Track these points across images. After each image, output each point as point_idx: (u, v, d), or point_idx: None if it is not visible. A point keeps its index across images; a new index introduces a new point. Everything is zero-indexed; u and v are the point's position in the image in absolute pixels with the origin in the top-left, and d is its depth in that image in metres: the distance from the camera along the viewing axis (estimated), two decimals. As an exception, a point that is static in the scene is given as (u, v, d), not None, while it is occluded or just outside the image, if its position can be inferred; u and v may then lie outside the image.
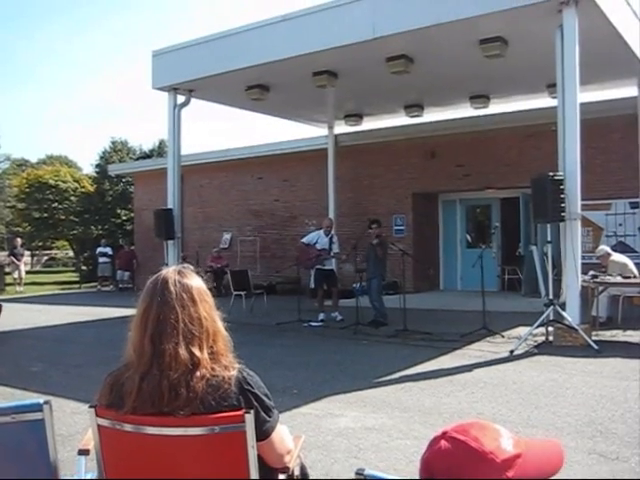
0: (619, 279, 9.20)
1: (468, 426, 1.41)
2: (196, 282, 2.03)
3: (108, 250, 21.83)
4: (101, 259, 21.62)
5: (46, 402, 2.07)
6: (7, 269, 22.04)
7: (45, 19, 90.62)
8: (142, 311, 1.95)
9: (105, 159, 31.37)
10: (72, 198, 28.20)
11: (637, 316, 9.41)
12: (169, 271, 2.02)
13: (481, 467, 1.34)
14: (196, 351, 1.90)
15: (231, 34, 11.42)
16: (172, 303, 1.92)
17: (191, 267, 2.10)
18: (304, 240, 11.89)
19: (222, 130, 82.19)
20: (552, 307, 8.39)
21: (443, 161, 15.60)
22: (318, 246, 11.50)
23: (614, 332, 9.09)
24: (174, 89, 12.45)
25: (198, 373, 1.87)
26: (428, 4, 9.39)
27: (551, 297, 8.59)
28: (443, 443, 1.39)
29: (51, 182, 27.89)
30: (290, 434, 2.19)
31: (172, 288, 1.95)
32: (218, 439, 1.84)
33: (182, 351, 1.88)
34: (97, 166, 31.86)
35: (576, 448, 4.30)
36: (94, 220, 28.37)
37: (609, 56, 10.40)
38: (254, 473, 1.85)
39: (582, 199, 8.67)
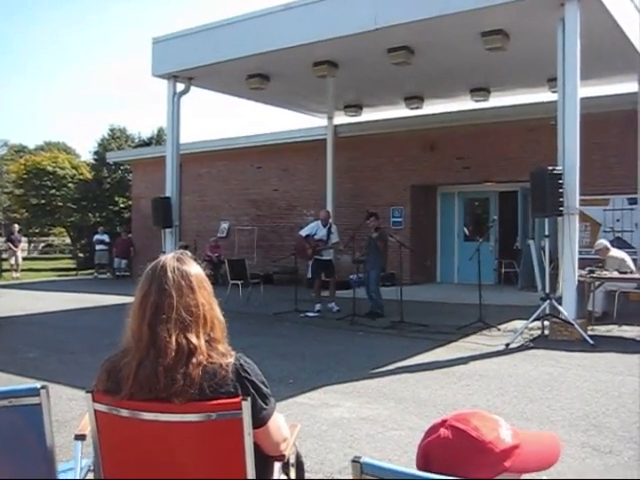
0: (615, 274, 9.22)
1: (468, 415, 1.43)
2: (195, 269, 2.03)
3: (105, 238, 21.79)
4: (98, 246, 21.58)
5: (43, 387, 2.07)
6: (4, 255, 21.99)
7: (44, 8, 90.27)
8: (141, 297, 1.95)
9: (103, 146, 31.28)
10: (70, 185, 28.13)
11: (633, 311, 9.43)
12: (168, 258, 2.02)
13: (480, 456, 1.35)
14: (193, 338, 1.90)
15: (232, 22, 11.38)
16: (170, 290, 1.92)
17: (189, 254, 2.10)
18: (302, 232, 11.89)
19: (221, 124, 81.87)
20: (548, 301, 8.42)
21: (442, 154, 15.58)
22: (316, 237, 11.50)
23: (610, 327, 9.12)
24: (174, 77, 12.40)
25: (194, 360, 1.88)
26: (430, -5, 9.36)
27: (547, 291, 8.61)
28: (443, 431, 1.40)
29: (49, 169, 27.81)
30: (286, 423, 2.20)
31: (170, 275, 1.95)
32: (215, 426, 1.84)
33: (179, 338, 1.89)
34: (95, 153, 31.77)
35: (570, 441, 4.32)
36: (92, 207, 28.31)
37: (610, 51, 10.39)
38: (250, 460, 1.85)
39: (580, 194, 8.67)
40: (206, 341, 1.93)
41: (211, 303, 2.01)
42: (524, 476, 1.42)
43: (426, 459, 1.42)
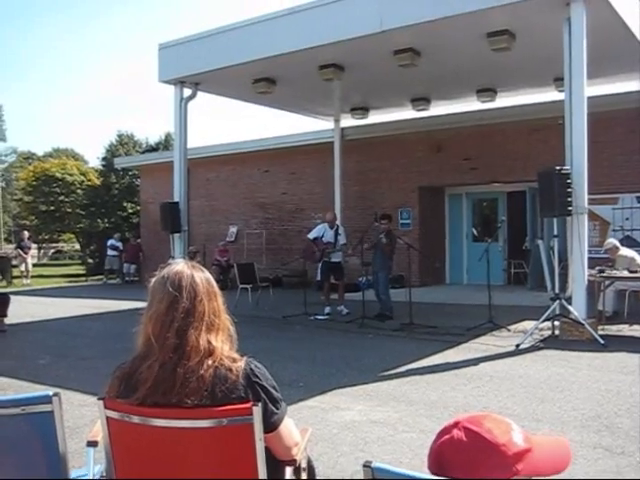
0: (625, 273, 9.17)
1: (481, 417, 1.43)
2: (211, 276, 2.12)
3: (119, 245, 21.79)
4: (110, 252, 21.63)
5: (55, 394, 2.09)
6: (14, 262, 22.11)
7: (50, 13, 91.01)
8: (168, 303, 1.98)
9: (111, 152, 31.42)
10: (78, 191, 28.26)
11: (643, 311, 9.39)
12: (185, 265, 2.07)
13: (493, 458, 1.36)
14: (213, 340, 1.97)
15: (238, 27, 11.40)
16: (201, 296, 2.00)
17: (198, 264, 2.14)
18: (310, 235, 11.89)
19: (229, 127, 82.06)
20: (558, 301, 8.40)
21: (450, 155, 15.56)
22: (324, 240, 11.51)
23: (620, 326, 9.07)
24: (180, 82, 12.44)
25: (210, 361, 1.93)
26: (435, -3, 9.35)
27: (557, 291, 8.58)
28: (456, 432, 1.41)
29: (58, 175, 27.94)
30: (296, 427, 2.20)
31: (199, 281, 2.03)
32: (226, 431, 1.85)
33: (202, 341, 1.95)
34: (103, 159, 31.92)
35: (581, 442, 4.31)
36: (100, 213, 28.43)
37: (617, 50, 10.35)
38: (261, 465, 1.86)
39: (589, 193, 8.64)
40: (222, 344, 1.99)
41: (224, 310, 2.08)
42: None
43: (438, 460, 1.42)
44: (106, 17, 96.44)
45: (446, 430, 1.44)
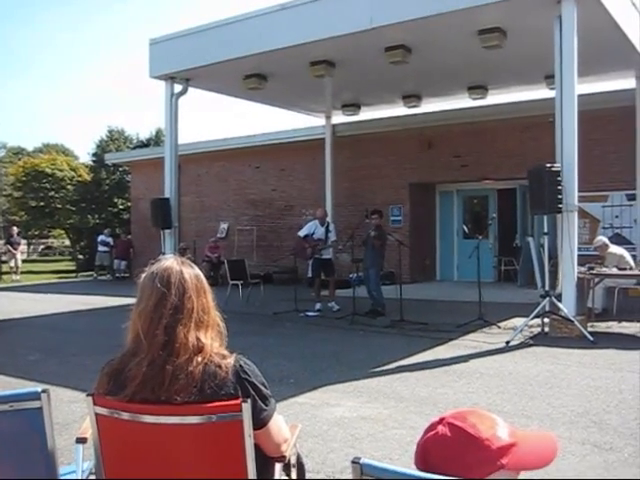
0: (615, 271, 9.23)
1: (466, 413, 1.45)
2: (201, 272, 2.11)
3: (110, 240, 21.72)
4: (101, 248, 21.54)
5: (44, 390, 2.08)
6: (3, 258, 21.97)
7: (42, 9, 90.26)
8: (157, 300, 1.97)
9: (102, 148, 31.24)
10: (69, 187, 28.08)
11: (632, 307, 9.43)
12: (174, 262, 2.06)
13: (477, 453, 1.37)
14: (202, 337, 1.96)
15: (229, 23, 11.38)
16: (190, 292, 1.99)
17: (188, 260, 2.13)
18: (301, 233, 11.88)
19: (219, 120, 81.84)
20: (548, 298, 8.43)
21: (440, 152, 15.59)
22: (315, 237, 11.50)
23: (609, 323, 9.13)
24: (171, 78, 12.40)
25: (199, 358, 1.92)
26: (426, -6, 9.35)
27: (547, 288, 8.62)
28: (440, 428, 1.42)
29: (48, 171, 27.75)
30: (286, 423, 2.20)
31: (188, 278, 2.01)
32: (215, 428, 1.85)
33: (191, 338, 1.94)
34: (94, 155, 31.72)
35: (570, 438, 4.33)
36: (91, 209, 28.28)
37: (608, 48, 10.39)
38: (251, 462, 1.86)
39: (579, 191, 8.68)
40: (211, 341, 1.99)
41: (214, 305, 2.08)
42: (521, 475, 1.43)
43: (424, 456, 1.43)
44: (99, 12, 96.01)
45: (432, 426, 1.46)
